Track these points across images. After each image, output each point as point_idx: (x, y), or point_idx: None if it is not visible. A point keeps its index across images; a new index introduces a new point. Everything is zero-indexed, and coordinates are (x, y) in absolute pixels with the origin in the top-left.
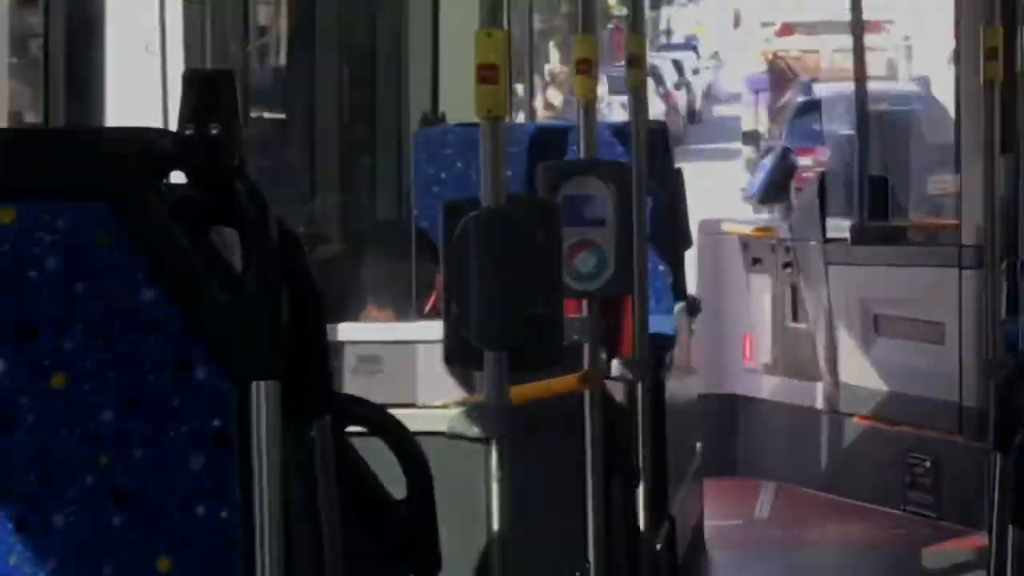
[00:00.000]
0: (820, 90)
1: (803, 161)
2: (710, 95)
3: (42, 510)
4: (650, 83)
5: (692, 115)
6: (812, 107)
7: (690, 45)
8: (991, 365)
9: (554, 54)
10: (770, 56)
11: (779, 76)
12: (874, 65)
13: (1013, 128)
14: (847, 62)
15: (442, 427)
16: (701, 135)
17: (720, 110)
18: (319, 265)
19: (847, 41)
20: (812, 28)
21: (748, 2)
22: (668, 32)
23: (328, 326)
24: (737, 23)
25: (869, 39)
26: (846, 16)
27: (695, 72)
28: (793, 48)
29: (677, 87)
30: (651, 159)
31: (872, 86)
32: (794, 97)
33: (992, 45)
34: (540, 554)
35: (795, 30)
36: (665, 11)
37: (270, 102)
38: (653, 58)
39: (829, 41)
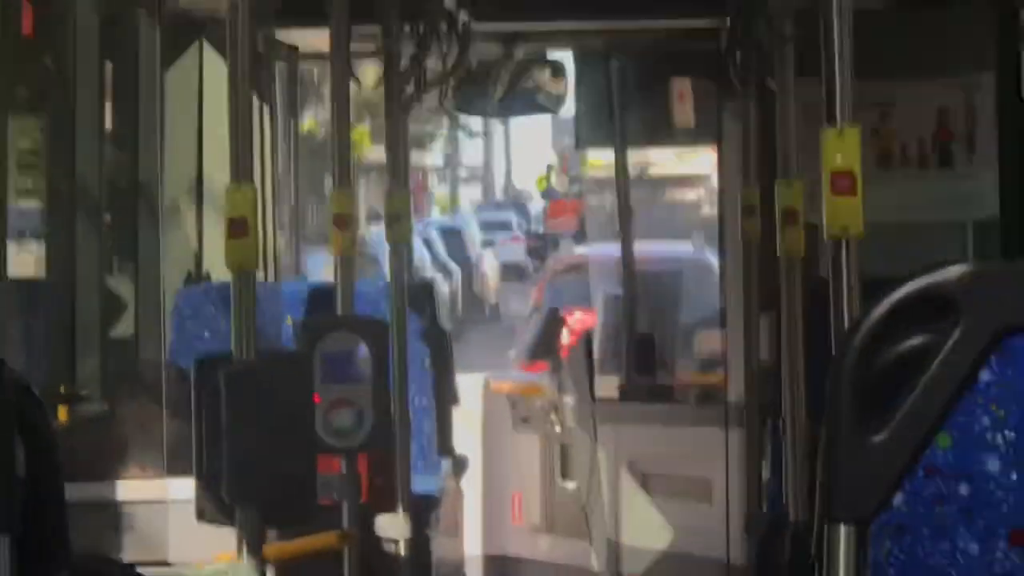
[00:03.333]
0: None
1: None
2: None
3: None
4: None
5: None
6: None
7: (516, 204)
8: (752, 522)
9: None
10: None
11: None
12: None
13: (773, 286)
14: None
15: None
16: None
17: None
18: (78, 423)
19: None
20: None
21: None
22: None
23: (75, 484)
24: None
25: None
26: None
27: (485, 245)
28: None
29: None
30: (418, 316)
31: (640, 246)
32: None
33: (749, 204)
34: None
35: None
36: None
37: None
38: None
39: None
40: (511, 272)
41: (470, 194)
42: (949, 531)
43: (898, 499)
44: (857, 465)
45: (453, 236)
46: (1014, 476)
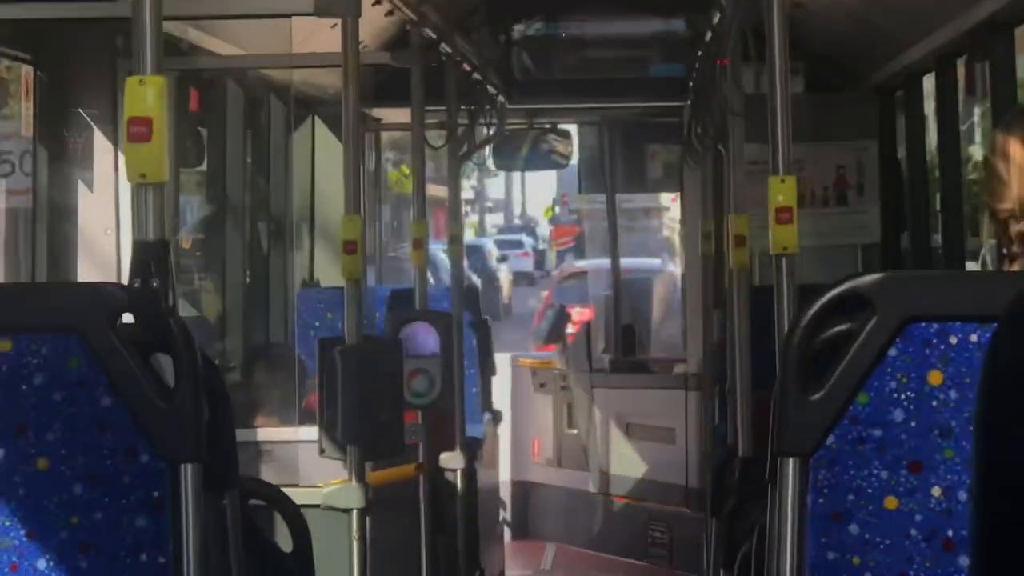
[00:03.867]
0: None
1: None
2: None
3: (29, 557)
4: None
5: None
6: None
7: (527, 228)
8: (708, 456)
9: None
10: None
11: None
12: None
13: (720, 290)
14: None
15: (318, 501)
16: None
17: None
18: (231, 385)
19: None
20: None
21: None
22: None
23: (236, 427)
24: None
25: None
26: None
27: (500, 259)
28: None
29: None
30: (468, 311)
31: (624, 261)
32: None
33: (706, 231)
34: None
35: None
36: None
37: (194, 266)
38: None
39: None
40: (521, 279)
41: (493, 220)
42: (866, 463)
43: (830, 440)
44: (801, 415)
45: (476, 252)
46: (913, 424)
